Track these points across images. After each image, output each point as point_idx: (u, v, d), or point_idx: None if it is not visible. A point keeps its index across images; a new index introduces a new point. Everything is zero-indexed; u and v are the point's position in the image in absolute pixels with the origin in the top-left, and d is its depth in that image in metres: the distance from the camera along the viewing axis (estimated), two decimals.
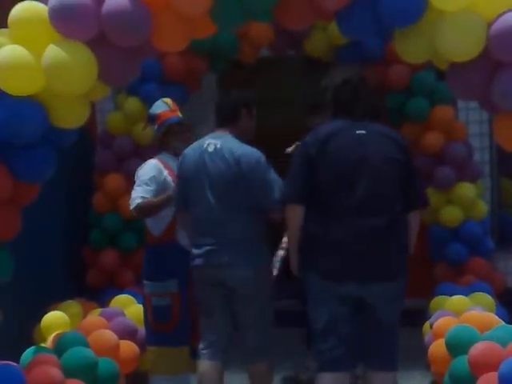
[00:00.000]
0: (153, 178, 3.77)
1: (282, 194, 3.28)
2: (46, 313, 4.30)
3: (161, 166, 3.85)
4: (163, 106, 3.94)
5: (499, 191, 5.50)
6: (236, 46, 5.07)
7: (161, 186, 3.79)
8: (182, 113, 4.01)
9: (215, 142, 3.49)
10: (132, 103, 5.12)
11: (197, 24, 3.05)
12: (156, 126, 3.91)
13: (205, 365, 3.51)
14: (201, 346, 3.56)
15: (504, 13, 2.92)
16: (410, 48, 3.11)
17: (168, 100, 3.98)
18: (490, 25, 2.94)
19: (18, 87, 2.99)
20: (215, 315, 3.51)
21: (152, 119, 3.95)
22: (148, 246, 3.92)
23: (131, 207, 3.76)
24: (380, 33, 3.19)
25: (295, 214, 3.15)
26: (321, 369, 3.19)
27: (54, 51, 2.93)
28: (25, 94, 3.01)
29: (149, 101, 4.89)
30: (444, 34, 2.96)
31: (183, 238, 3.77)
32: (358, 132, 3.12)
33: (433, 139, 5.04)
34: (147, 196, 3.73)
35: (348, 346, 3.14)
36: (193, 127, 4.14)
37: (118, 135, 5.19)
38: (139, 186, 3.77)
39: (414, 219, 3.21)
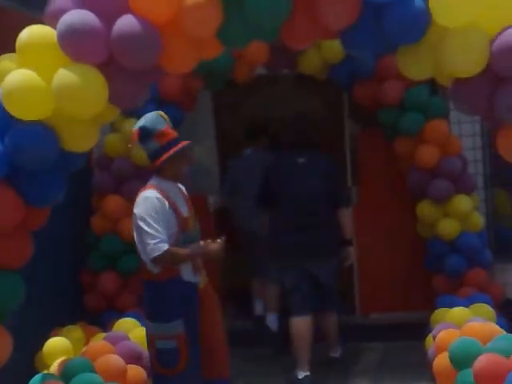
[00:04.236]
0: (159, 217, 3.32)
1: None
2: (48, 339, 4.22)
3: (161, 197, 3.38)
4: (162, 122, 3.42)
5: (494, 203, 5.55)
6: (231, 66, 5.09)
7: (167, 223, 3.35)
8: (178, 132, 3.59)
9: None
10: (130, 124, 5.10)
11: (205, 45, 3.07)
12: (157, 145, 3.38)
13: None
14: None
15: (506, 29, 2.97)
16: (413, 65, 3.15)
17: (163, 114, 3.48)
18: (492, 41, 2.99)
19: (27, 112, 2.96)
20: None
21: (149, 135, 3.37)
22: (147, 283, 3.47)
23: (151, 256, 3.32)
24: (384, 49, 3.23)
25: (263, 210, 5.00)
26: (292, 314, 4.73)
27: (63, 75, 2.91)
28: (35, 119, 2.98)
29: None
30: (447, 51, 3.00)
31: (188, 273, 3.45)
32: (299, 160, 4.68)
33: (427, 153, 5.07)
34: (165, 244, 3.32)
35: (306, 299, 4.71)
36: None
37: (116, 157, 5.16)
38: (149, 228, 3.30)
39: (342, 213, 4.77)
